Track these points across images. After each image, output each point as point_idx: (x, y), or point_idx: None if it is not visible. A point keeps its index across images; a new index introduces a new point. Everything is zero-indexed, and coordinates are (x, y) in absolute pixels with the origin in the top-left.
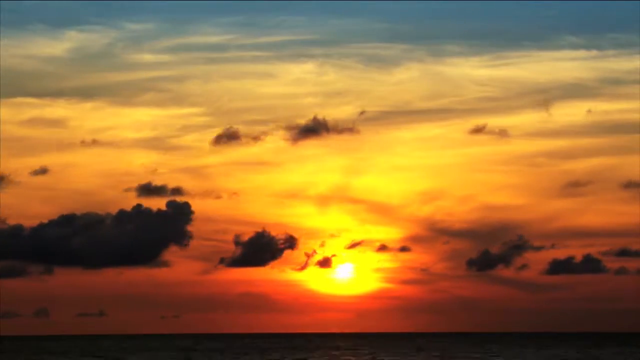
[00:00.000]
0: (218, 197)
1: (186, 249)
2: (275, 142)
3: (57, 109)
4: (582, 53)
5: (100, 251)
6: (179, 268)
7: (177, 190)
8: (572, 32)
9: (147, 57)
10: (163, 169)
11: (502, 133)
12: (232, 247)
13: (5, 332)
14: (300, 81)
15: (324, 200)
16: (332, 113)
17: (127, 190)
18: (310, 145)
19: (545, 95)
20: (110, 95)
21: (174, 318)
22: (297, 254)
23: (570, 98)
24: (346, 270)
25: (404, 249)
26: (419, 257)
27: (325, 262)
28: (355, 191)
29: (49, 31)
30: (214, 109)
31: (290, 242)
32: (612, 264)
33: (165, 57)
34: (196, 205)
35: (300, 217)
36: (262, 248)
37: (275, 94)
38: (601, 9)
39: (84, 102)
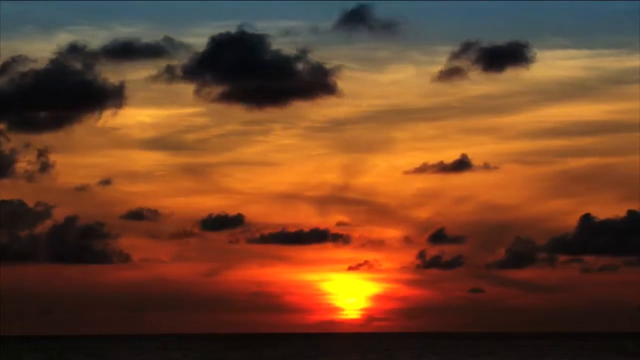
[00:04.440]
0: (215, 196)
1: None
2: (273, 142)
3: None
4: (574, 52)
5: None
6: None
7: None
8: (565, 31)
9: None
10: (162, 169)
11: (499, 132)
12: (237, 246)
13: None
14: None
15: (322, 201)
16: (329, 113)
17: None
18: (309, 146)
19: (542, 95)
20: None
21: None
22: (296, 254)
23: (565, 97)
24: (345, 272)
25: (404, 249)
26: (418, 257)
27: (322, 263)
28: (354, 191)
29: (39, 33)
30: (211, 109)
31: (290, 242)
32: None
33: None
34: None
35: (300, 217)
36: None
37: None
38: (595, 9)
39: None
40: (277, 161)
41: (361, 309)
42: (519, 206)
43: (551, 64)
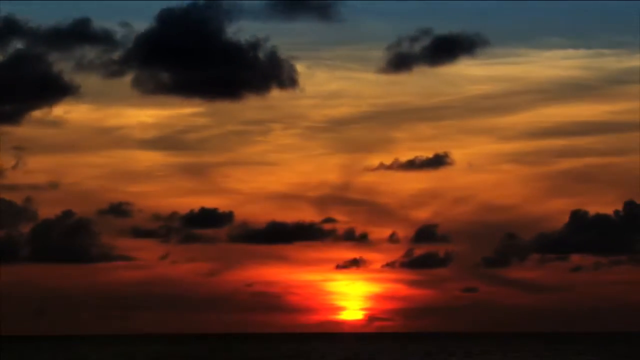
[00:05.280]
0: (215, 196)
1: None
2: (272, 142)
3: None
4: (571, 52)
5: None
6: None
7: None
8: (565, 31)
9: None
10: (163, 169)
11: (497, 132)
12: (236, 246)
13: None
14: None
15: (322, 200)
16: (329, 113)
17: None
18: (308, 145)
19: (540, 94)
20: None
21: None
22: (295, 254)
23: (564, 97)
24: (344, 272)
25: (403, 249)
26: (418, 257)
27: (322, 262)
28: (354, 191)
29: None
30: (213, 110)
31: (289, 241)
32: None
33: None
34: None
35: (299, 216)
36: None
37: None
38: (592, 9)
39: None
40: (277, 161)
41: (362, 309)
42: (517, 206)
43: (550, 64)
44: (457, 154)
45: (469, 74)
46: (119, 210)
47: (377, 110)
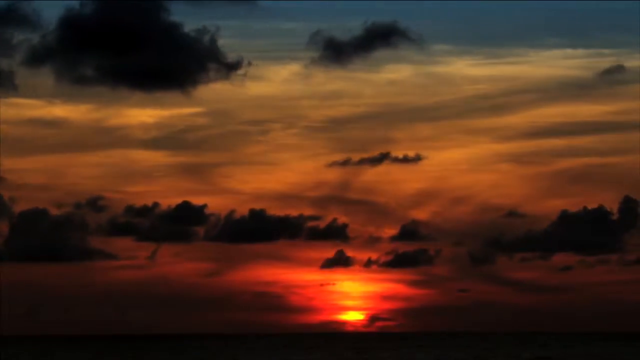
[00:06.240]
0: (214, 196)
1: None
2: (272, 142)
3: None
4: (571, 52)
5: None
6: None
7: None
8: (562, 31)
9: None
10: (162, 169)
11: (496, 132)
12: (236, 246)
13: None
14: (290, 82)
15: (321, 201)
16: (327, 113)
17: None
18: (306, 146)
19: (539, 94)
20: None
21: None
22: (295, 254)
23: (563, 97)
24: (344, 272)
25: (401, 249)
26: (418, 257)
27: (322, 262)
28: (354, 191)
29: None
30: (212, 110)
31: (288, 241)
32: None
33: None
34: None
35: (299, 217)
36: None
37: (268, 95)
38: (592, 9)
39: (84, 104)
40: (276, 161)
41: (364, 309)
42: (515, 206)
43: (550, 64)
44: (456, 153)
45: (468, 73)
46: (112, 208)
47: (375, 111)
